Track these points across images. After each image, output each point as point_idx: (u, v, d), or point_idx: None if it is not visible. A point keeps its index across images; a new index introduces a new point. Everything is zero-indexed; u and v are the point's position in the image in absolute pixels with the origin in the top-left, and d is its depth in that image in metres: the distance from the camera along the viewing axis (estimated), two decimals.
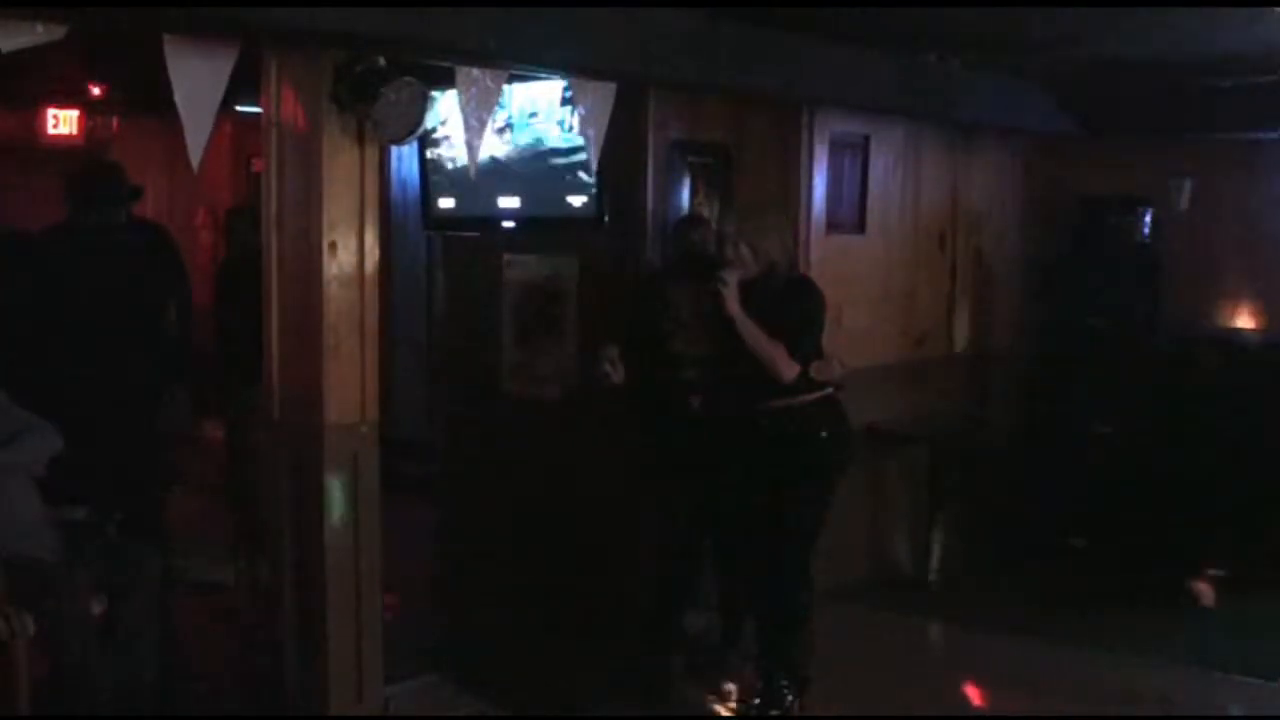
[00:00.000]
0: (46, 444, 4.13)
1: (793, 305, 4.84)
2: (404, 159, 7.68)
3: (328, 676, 4.52)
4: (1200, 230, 7.61)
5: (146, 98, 6.16)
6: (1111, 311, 7.55)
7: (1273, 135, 7.15)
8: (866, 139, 6.68)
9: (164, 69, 3.89)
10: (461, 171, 6.79)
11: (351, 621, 4.57)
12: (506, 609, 5.88)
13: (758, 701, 5.02)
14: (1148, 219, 7.65)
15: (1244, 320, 7.67)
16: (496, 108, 4.97)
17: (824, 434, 4.89)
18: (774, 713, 4.95)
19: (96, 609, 4.26)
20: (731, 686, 5.27)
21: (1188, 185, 7.51)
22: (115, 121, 9.60)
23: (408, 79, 4.31)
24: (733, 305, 4.73)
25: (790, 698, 4.95)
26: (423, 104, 4.38)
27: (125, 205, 5.43)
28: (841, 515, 5.24)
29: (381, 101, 4.26)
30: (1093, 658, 5.69)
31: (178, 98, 3.93)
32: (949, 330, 7.54)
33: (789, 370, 4.74)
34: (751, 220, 4.97)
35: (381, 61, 4.29)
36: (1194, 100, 7.02)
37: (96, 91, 8.76)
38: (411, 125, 4.41)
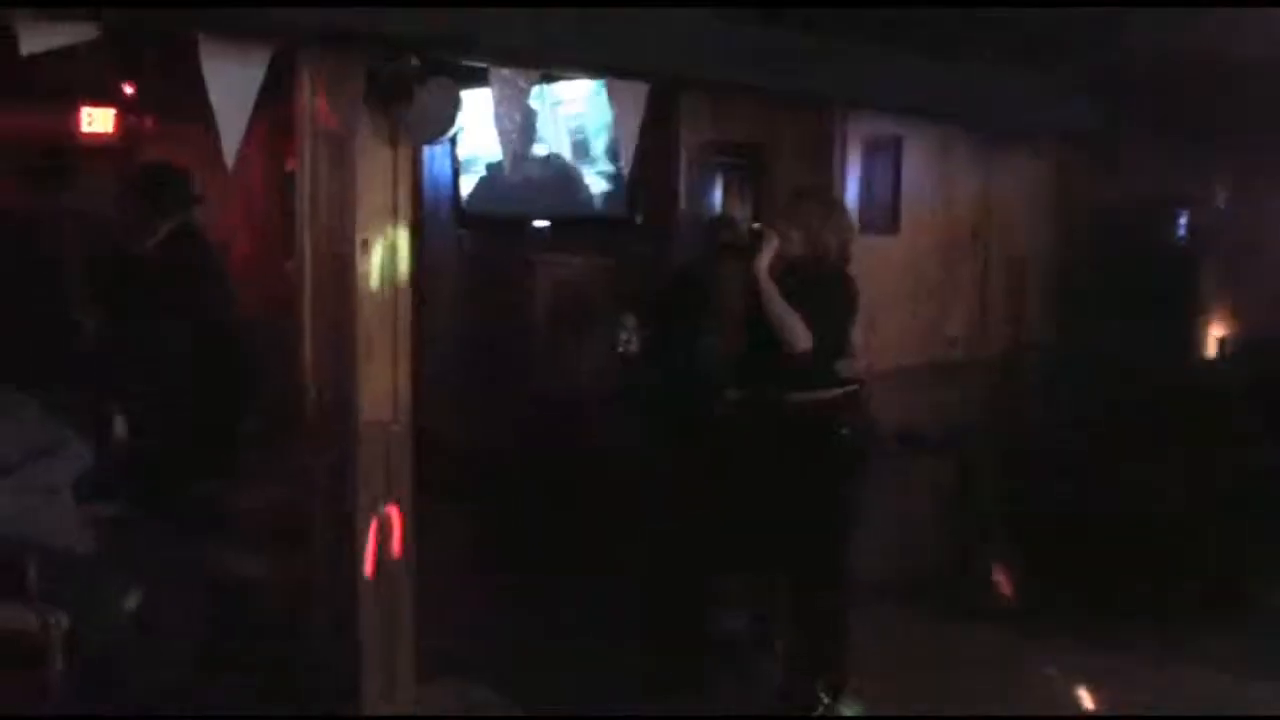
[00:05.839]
0: (75, 464, 4.14)
1: (818, 292, 4.80)
2: (436, 158, 7.70)
3: (360, 675, 4.54)
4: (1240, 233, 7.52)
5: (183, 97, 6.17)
6: (1144, 316, 7.47)
7: None
8: (899, 139, 6.65)
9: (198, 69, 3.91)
10: (495, 171, 6.86)
11: (384, 620, 4.59)
12: (536, 609, 5.89)
13: (790, 703, 5.01)
14: (1184, 220, 7.58)
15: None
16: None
17: (845, 430, 4.86)
18: (807, 714, 4.94)
19: (131, 604, 4.30)
20: (763, 688, 5.26)
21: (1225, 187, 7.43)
22: (153, 120, 9.59)
23: (441, 80, 4.32)
24: (761, 266, 4.69)
25: (824, 699, 4.94)
26: (456, 105, 4.38)
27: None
28: (872, 518, 5.21)
29: (415, 102, 4.27)
30: (1125, 660, 5.65)
31: (212, 98, 3.95)
32: (982, 331, 7.50)
33: (803, 339, 4.65)
34: (801, 204, 4.94)
35: (415, 62, 4.30)
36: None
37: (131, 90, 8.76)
38: (445, 126, 4.41)
